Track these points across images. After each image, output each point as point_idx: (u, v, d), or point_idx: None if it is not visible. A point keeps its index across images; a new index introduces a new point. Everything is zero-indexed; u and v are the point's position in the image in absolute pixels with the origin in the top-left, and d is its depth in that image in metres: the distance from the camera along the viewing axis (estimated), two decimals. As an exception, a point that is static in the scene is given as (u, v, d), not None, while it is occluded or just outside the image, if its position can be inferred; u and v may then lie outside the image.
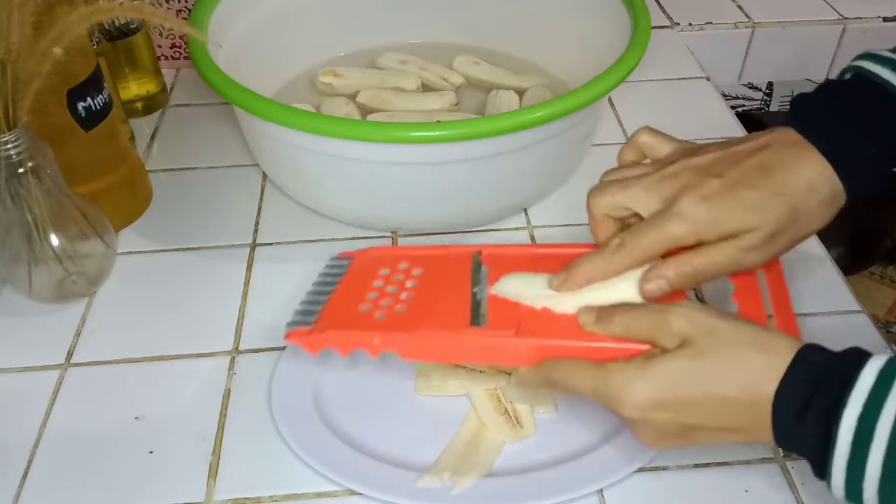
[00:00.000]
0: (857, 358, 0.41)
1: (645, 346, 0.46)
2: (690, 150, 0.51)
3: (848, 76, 0.51)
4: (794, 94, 0.52)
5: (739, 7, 1.02)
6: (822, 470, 0.41)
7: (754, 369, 0.42)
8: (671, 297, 0.48)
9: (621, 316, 0.47)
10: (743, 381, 0.42)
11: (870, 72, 0.49)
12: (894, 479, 0.38)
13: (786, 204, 0.47)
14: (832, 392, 0.40)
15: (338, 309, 0.54)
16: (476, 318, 0.51)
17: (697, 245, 0.48)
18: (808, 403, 0.41)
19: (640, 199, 0.49)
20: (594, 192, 0.51)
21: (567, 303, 0.50)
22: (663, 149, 0.52)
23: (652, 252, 0.48)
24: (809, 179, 0.47)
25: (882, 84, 0.49)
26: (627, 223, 0.52)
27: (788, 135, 0.49)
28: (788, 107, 0.51)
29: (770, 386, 0.42)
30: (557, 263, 0.52)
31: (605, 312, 0.47)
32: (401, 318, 0.52)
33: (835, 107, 0.49)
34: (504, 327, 0.50)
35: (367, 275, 0.57)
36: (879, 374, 0.40)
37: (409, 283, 0.55)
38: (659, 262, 0.49)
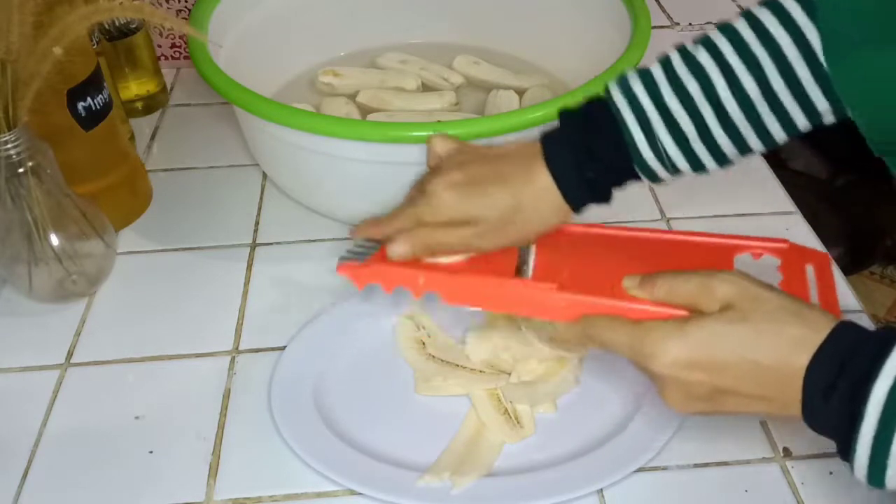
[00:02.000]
0: (890, 336, 0.41)
1: (684, 312, 0.46)
2: (463, 149, 0.57)
3: (602, 94, 0.55)
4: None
5: (739, 7, 1.02)
6: (846, 448, 0.41)
7: (791, 339, 0.43)
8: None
9: (665, 279, 0.48)
10: (778, 349, 0.43)
11: (610, 96, 0.54)
12: None
13: (507, 204, 0.53)
14: (861, 368, 0.40)
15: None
16: (522, 269, 0.53)
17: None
18: (837, 379, 0.41)
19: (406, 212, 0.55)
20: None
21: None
22: (445, 147, 0.58)
23: (403, 226, 0.54)
24: (535, 190, 0.54)
25: (614, 112, 0.53)
26: None
27: (535, 148, 0.54)
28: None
29: (804, 358, 0.42)
30: (599, 246, 0.56)
31: (648, 277, 0.49)
32: (448, 265, 0.54)
33: (573, 129, 0.54)
34: (548, 280, 0.51)
35: None
36: None
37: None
38: (410, 232, 0.54)
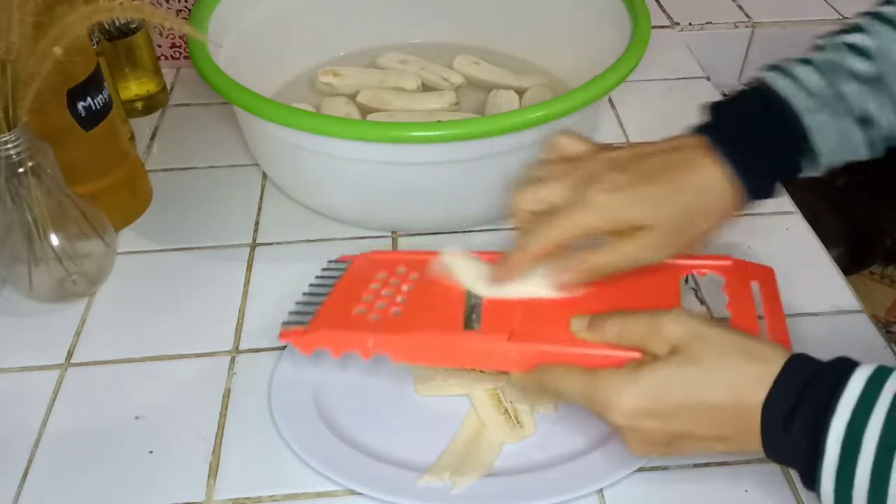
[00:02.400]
0: (845, 367, 0.41)
1: (637, 354, 0.46)
2: (603, 148, 0.54)
3: (756, 86, 0.53)
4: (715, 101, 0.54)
5: (739, 7, 1.02)
6: (810, 479, 0.41)
7: (743, 377, 0.42)
8: (664, 303, 0.48)
9: (613, 322, 0.47)
10: (732, 388, 0.42)
11: (774, 85, 0.52)
12: (884, 487, 0.38)
13: (682, 201, 0.50)
14: (820, 401, 0.40)
15: (333, 310, 0.54)
16: (470, 322, 0.51)
17: (612, 235, 0.50)
18: (795, 412, 0.41)
19: (556, 192, 0.51)
20: (516, 189, 0.53)
21: (500, 292, 0.53)
22: (579, 148, 0.54)
23: (560, 238, 0.50)
24: (706, 181, 0.50)
25: (784, 98, 0.51)
26: None
27: (695, 140, 0.52)
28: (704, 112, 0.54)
29: (759, 394, 0.42)
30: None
31: (597, 319, 0.48)
32: (395, 320, 0.52)
33: (740, 118, 0.52)
34: (497, 331, 0.50)
35: (363, 278, 0.57)
36: (867, 382, 0.40)
37: (405, 287, 0.55)
38: (562, 259, 0.51)
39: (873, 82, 0.50)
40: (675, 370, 0.43)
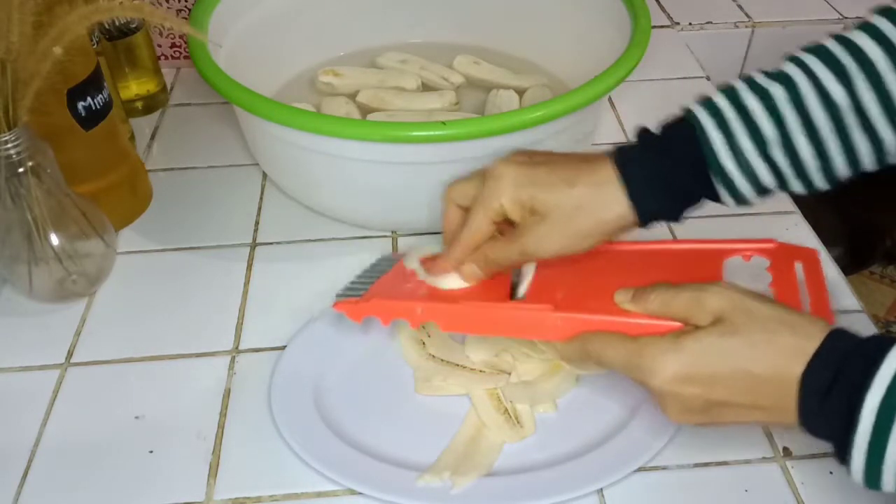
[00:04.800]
0: (884, 344, 0.41)
1: (678, 325, 0.47)
2: (520, 150, 0.56)
3: (683, 114, 0.53)
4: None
5: (739, 7, 1.02)
6: (843, 453, 0.42)
7: (784, 349, 0.43)
8: (706, 277, 0.49)
9: (657, 294, 0.48)
10: (773, 360, 0.43)
11: (687, 108, 0.52)
12: None
13: (572, 193, 0.51)
14: (856, 376, 0.41)
15: (383, 287, 0.56)
16: (516, 293, 0.54)
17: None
18: (832, 386, 0.41)
19: (473, 184, 0.55)
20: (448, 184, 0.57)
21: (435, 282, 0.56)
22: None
23: (484, 226, 0.53)
24: (598, 183, 0.52)
25: (691, 117, 0.51)
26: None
27: (601, 154, 0.53)
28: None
29: (798, 367, 0.42)
30: (590, 261, 0.54)
31: (641, 291, 0.49)
32: (443, 292, 0.55)
33: (647, 140, 0.53)
34: (542, 302, 0.51)
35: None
36: None
37: None
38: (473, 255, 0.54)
39: (783, 103, 0.49)
40: (718, 339, 0.44)
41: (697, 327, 0.45)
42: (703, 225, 0.69)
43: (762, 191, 0.52)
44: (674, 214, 0.54)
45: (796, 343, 0.43)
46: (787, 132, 0.49)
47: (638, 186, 0.51)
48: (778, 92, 0.49)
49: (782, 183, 0.51)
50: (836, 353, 0.42)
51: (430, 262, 0.58)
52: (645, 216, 0.52)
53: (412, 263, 0.59)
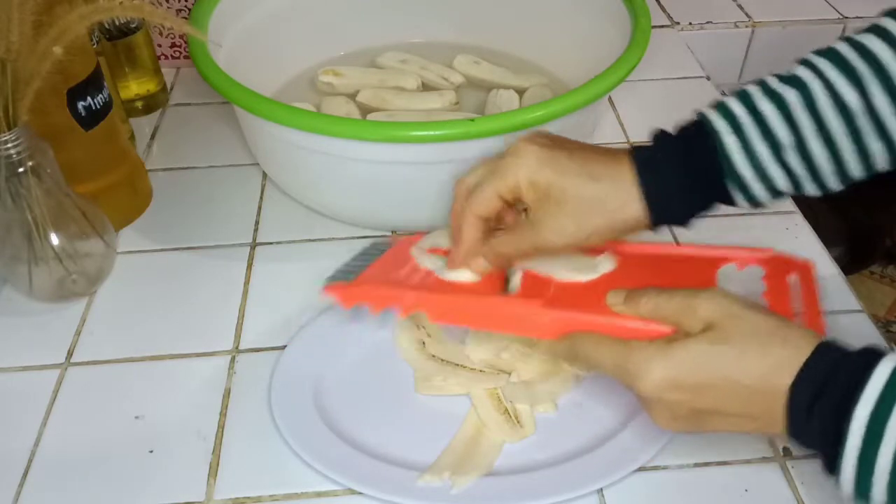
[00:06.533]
0: (872, 356, 0.41)
1: (669, 329, 0.46)
2: (540, 132, 0.54)
3: (696, 119, 0.53)
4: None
5: (739, 6, 1.02)
6: (832, 465, 0.41)
7: (774, 359, 0.43)
8: (700, 283, 0.49)
9: (649, 297, 0.48)
10: (762, 369, 0.43)
11: (702, 113, 0.52)
12: None
13: (591, 185, 0.50)
14: (844, 388, 0.41)
15: (375, 273, 0.56)
16: (507, 288, 0.53)
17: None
18: (820, 398, 0.41)
19: (483, 168, 0.53)
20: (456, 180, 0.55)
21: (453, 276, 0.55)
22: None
23: (492, 199, 0.52)
24: (614, 180, 0.51)
25: (706, 122, 0.51)
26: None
27: (622, 152, 0.52)
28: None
29: (787, 377, 0.42)
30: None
31: (633, 294, 0.48)
32: (435, 282, 0.54)
33: (664, 141, 0.52)
34: (533, 298, 0.51)
35: (405, 254, 0.59)
36: (893, 372, 0.40)
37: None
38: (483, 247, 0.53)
39: (797, 108, 0.50)
40: (708, 347, 0.44)
41: (688, 334, 0.45)
42: (703, 224, 0.69)
43: (777, 194, 0.52)
44: (686, 220, 0.53)
45: (786, 354, 0.43)
46: (801, 137, 0.49)
47: (655, 191, 0.51)
48: (792, 97, 0.49)
49: (797, 186, 0.51)
50: (825, 365, 0.42)
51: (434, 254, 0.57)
52: (658, 221, 0.52)
53: (421, 258, 0.58)
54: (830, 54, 0.50)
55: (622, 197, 0.51)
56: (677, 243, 0.64)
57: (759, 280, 0.54)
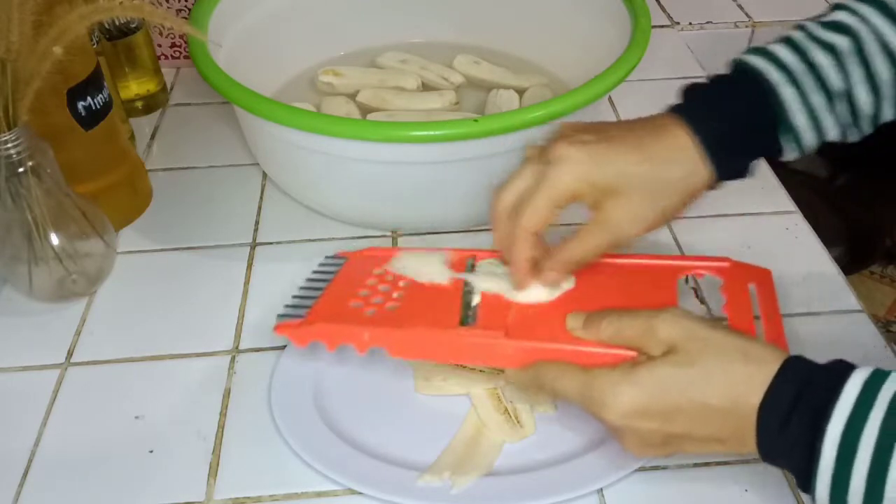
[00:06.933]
0: (842, 370, 0.41)
1: (632, 353, 0.46)
2: (575, 124, 0.53)
3: (731, 66, 0.53)
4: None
5: (739, 6, 1.02)
6: (806, 483, 0.41)
7: (740, 379, 0.42)
8: (662, 303, 0.48)
9: (609, 321, 0.47)
10: (728, 390, 0.42)
11: (748, 61, 0.51)
12: (879, 492, 0.38)
13: (652, 166, 0.49)
14: (816, 405, 0.40)
15: (329, 304, 0.54)
16: (466, 318, 0.52)
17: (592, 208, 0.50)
18: (791, 416, 0.41)
19: (526, 175, 0.51)
20: (494, 190, 0.53)
21: (522, 297, 0.53)
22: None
23: (546, 210, 0.49)
24: (675, 150, 0.49)
25: (757, 72, 0.50)
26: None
27: (667, 115, 0.52)
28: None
29: (755, 396, 0.42)
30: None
31: (593, 317, 0.48)
32: (391, 315, 0.52)
33: (712, 94, 0.51)
34: (493, 328, 0.50)
35: (360, 273, 0.57)
36: (863, 386, 0.39)
37: (401, 283, 0.56)
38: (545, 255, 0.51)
39: (849, 55, 0.50)
40: (671, 370, 0.43)
41: (650, 357, 0.44)
42: (703, 223, 0.69)
43: (823, 143, 0.52)
44: (746, 172, 0.53)
45: (752, 372, 0.42)
46: (850, 84, 0.49)
47: (718, 148, 0.49)
48: (844, 45, 0.49)
49: (843, 133, 0.51)
50: (793, 383, 0.41)
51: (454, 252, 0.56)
52: (724, 176, 0.51)
53: (479, 282, 0.54)
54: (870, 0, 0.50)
55: (688, 166, 0.50)
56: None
57: (720, 290, 0.53)
